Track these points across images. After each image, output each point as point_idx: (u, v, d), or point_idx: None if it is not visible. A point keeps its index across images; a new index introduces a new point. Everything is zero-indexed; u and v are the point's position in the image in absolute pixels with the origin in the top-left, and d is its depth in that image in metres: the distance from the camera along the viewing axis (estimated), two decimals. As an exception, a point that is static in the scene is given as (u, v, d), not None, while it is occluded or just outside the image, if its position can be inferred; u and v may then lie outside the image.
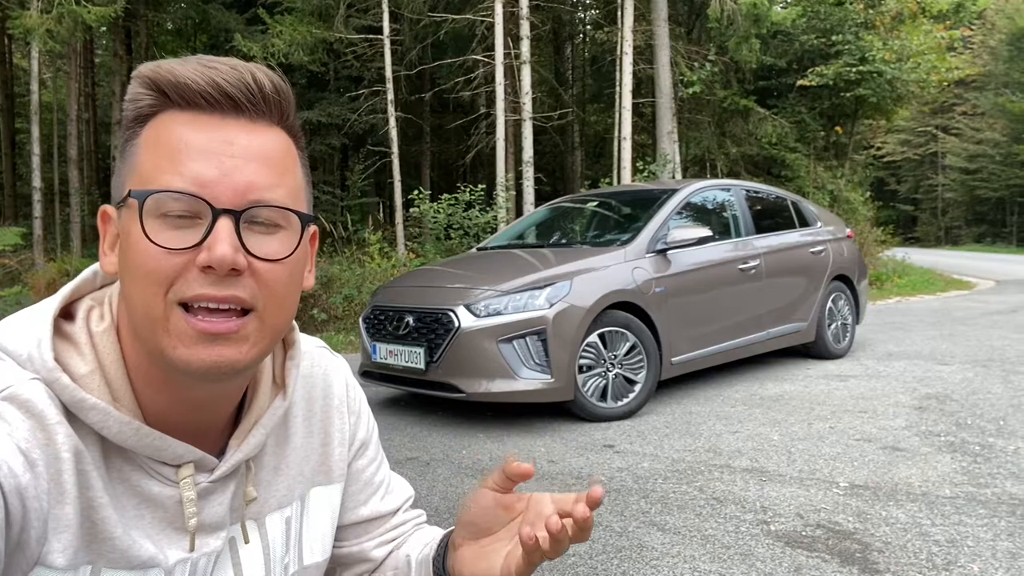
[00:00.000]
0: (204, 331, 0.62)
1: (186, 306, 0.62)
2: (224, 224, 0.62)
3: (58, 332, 0.68)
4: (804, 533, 2.60)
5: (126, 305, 0.66)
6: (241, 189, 0.63)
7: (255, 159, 0.65)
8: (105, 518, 0.65)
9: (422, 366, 4.24)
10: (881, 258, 15.56)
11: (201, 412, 0.71)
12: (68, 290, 0.72)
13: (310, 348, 0.89)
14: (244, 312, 0.64)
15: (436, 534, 0.93)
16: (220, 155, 0.63)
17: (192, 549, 0.71)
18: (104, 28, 15.87)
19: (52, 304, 0.69)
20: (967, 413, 4.16)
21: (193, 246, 0.62)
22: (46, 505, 0.61)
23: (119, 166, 0.68)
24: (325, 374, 0.89)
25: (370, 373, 4.68)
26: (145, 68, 0.65)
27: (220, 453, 0.74)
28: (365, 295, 8.59)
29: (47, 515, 0.61)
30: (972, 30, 31.82)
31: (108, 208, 0.70)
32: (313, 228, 0.72)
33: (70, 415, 0.64)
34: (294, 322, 0.80)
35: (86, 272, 0.75)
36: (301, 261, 0.70)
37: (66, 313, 0.71)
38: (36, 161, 12.91)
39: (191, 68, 0.64)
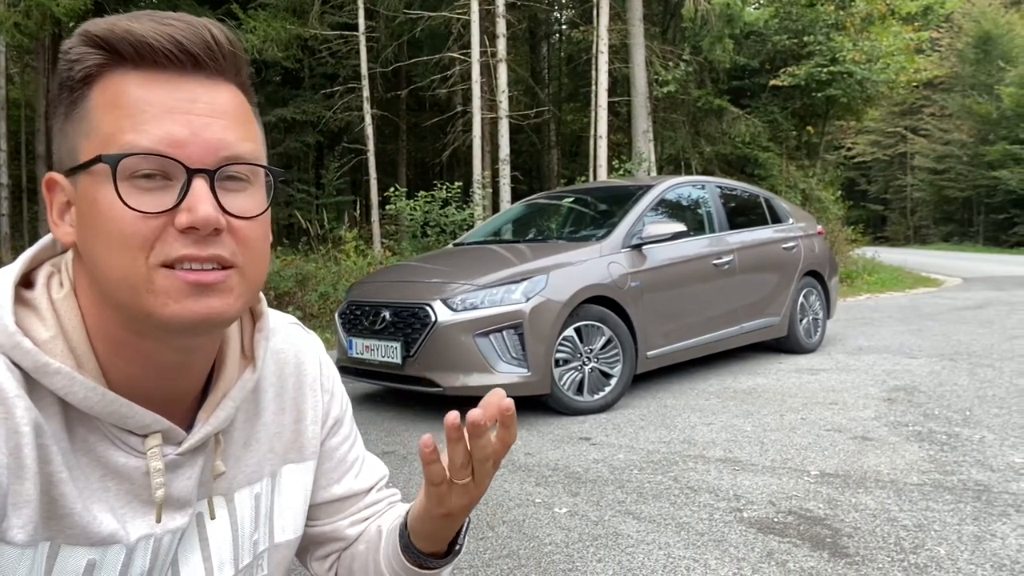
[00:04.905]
0: (195, 282, 0.62)
1: (168, 265, 0.62)
2: (200, 184, 0.61)
3: (18, 299, 0.66)
4: (776, 520, 2.64)
5: (93, 273, 0.65)
6: (213, 147, 0.63)
7: (221, 116, 0.64)
8: (64, 494, 0.63)
9: (399, 361, 4.24)
10: (852, 256, 15.80)
11: (168, 380, 0.70)
12: (27, 257, 0.70)
13: (283, 324, 0.89)
14: (226, 267, 0.64)
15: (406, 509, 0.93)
16: (187, 114, 0.62)
17: (159, 520, 0.70)
18: (73, 23, 15.61)
19: (11, 271, 0.68)
20: (934, 404, 4.25)
21: (170, 209, 0.61)
22: (5, 481, 0.60)
23: (64, 129, 0.65)
24: (297, 351, 0.88)
25: (346, 368, 4.67)
26: (94, 27, 0.63)
27: (189, 427, 0.73)
28: (341, 293, 8.54)
29: (6, 491, 0.60)
30: (940, 32, 32.43)
31: (55, 175, 0.67)
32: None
33: (30, 387, 0.63)
34: (261, 294, 0.80)
35: (45, 239, 0.73)
36: (269, 216, 0.70)
37: (27, 281, 0.69)
38: (3, 158, 12.68)
39: (147, 26, 0.62)
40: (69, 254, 0.71)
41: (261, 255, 0.68)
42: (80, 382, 0.63)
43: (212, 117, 0.64)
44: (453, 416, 0.69)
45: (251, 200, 0.66)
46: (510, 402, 0.70)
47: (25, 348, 0.62)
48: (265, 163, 0.69)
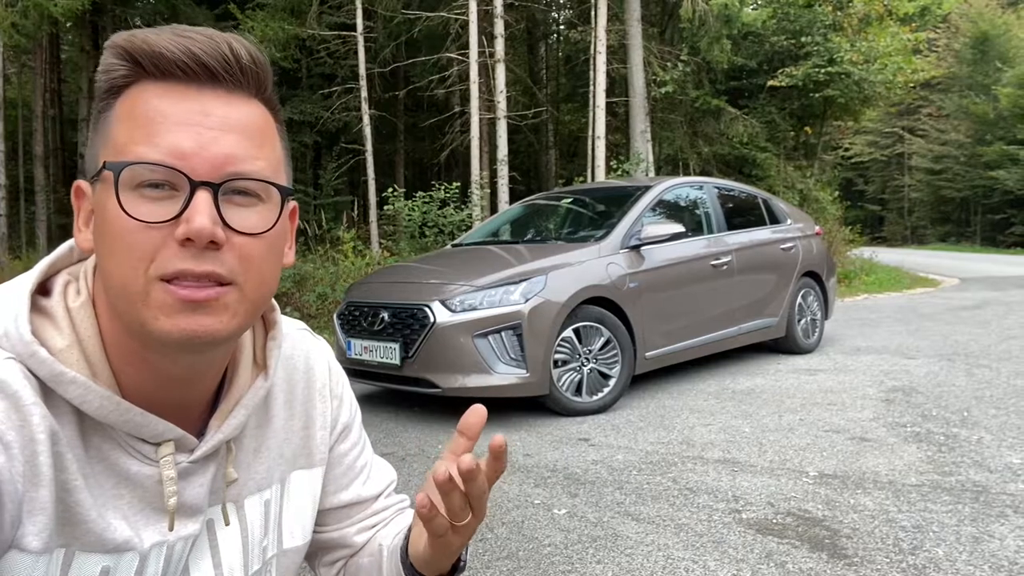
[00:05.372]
0: (185, 299, 0.61)
1: (166, 280, 0.61)
2: (202, 196, 0.61)
3: (35, 307, 0.67)
4: (775, 521, 2.65)
5: (103, 280, 0.65)
6: (219, 161, 0.62)
7: (233, 131, 0.64)
8: (79, 501, 0.64)
9: (397, 362, 4.24)
10: (849, 256, 15.81)
11: (180, 389, 0.70)
12: (44, 265, 0.70)
13: (292, 331, 0.88)
14: (223, 284, 0.63)
15: (409, 521, 0.91)
16: (197, 126, 0.62)
17: (172, 528, 0.70)
18: (70, 23, 15.59)
19: (29, 279, 0.68)
20: (932, 405, 4.26)
21: (171, 219, 0.61)
22: (21, 488, 0.60)
23: (92, 139, 0.67)
24: (307, 357, 0.88)
25: (345, 369, 4.66)
26: (119, 37, 0.64)
27: (200, 434, 0.73)
28: (339, 293, 8.54)
29: (22, 498, 0.60)
30: (937, 33, 32.51)
31: (82, 183, 0.68)
32: (293, 203, 0.72)
33: (45, 395, 0.63)
34: (275, 303, 0.80)
35: (63, 246, 0.73)
36: (281, 236, 0.69)
37: (43, 289, 0.69)
38: (0, 158, 12.65)
39: (166, 37, 0.63)
40: (88, 263, 0.72)
41: (264, 274, 0.67)
42: (95, 391, 0.64)
43: (223, 131, 0.63)
44: (442, 472, 0.66)
45: (260, 217, 0.65)
46: (501, 438, 0.68)
47: (41, 357, 0.63)
48: (282, 182, 0.68)
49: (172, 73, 0.63)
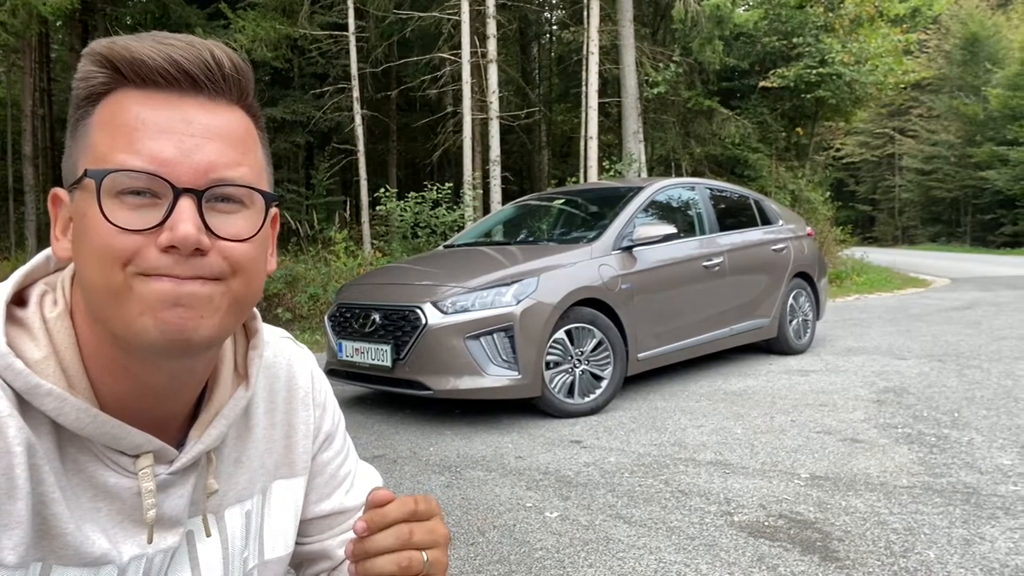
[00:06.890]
0: (172, 291, 0.60)
1: (146, 275, 0.61)
2: (186, 203, 0.60)
3: (10, 318, 0.66)
4: (766, 523, 2.64)
5: (82, 288, 0.64)
6: (202, 168, 0.62)
7: (216, 138, 0.64)
8: (57, 514, 0.63)
9: (389, 364, 4.22)
10: (840, 257, 15.88)
11: (160, 400, 0.69)
12: (20, 275, 0.70)
13: (274, 339, 0.88)
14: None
15: None
16: (180, 134, 0.62)
17: (150, 541, 0.69)
18: (60, 22, 15.50)
19: (3, 290, 0.67)
20: (923, 406, 4.27)
21: (154, 227, 0.60)
22: None
23: (70, 147, 0.66)
24: (289, 365, 0.88)
25: (336, 371, 4.65)
26: (98, 45, 0.63)
27: (180, 445, 0.72)
28: (331, 294, 8.51)
29: None
30: (928, 34, 32.67)
31: (59, 191, 0.68)
32: (275, 209, 0.71)
33: (22, 407, 0.62)
34: (256, 311, 0.79)
35: (39, 256, 0.72)
36: (264, 242, 0.69)
37: (19, 299, 0.69)
38: (-11, 158, 12.57)
39: (147, 45, 0.62)
40: (65, 273, 0.71)
41: (250, 276, 0.66)
42: (71, 403, 0.63)
43: (205, 139, 0.63)
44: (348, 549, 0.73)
45: (245, 223, 0.65)
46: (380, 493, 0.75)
47: (16, 369, 0.62)
48: (265, 188, 0.68)
49: (153, 80, 0.63)
